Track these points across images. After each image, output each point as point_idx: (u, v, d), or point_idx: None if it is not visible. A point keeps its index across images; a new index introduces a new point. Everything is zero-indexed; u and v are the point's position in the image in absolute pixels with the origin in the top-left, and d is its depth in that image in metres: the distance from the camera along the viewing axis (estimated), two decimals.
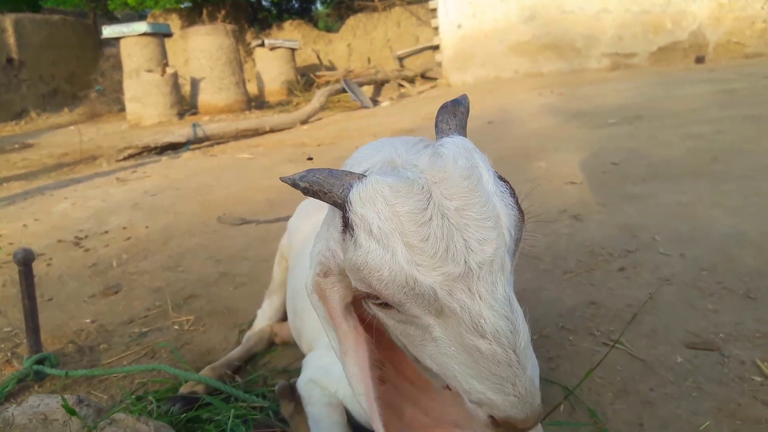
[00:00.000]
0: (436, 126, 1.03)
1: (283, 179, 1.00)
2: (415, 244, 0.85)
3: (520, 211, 0.93)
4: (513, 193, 0.93)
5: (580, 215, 3.37)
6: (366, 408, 1.07)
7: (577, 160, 4.71)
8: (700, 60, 11.74)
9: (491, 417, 0.88)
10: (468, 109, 1.07)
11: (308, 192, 0.97)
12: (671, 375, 1.79)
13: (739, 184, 3.57)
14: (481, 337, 0.84)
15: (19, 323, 2.75)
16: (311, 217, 2.08)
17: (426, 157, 0.92)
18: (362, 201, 0.89)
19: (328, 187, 0.94)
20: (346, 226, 0.91)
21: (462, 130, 1.02)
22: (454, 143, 0.94)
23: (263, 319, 2.37)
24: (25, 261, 2.24)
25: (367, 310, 1.03)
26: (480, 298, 0.85)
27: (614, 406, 1.68)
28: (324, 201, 0.96)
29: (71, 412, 1.15)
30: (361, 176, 0.93)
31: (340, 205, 0.93)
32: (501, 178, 0.95)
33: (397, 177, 0.90)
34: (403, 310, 0.91)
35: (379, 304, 0.94)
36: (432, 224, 0.85)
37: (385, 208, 0.87)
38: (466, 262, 0.85)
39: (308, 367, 1.74)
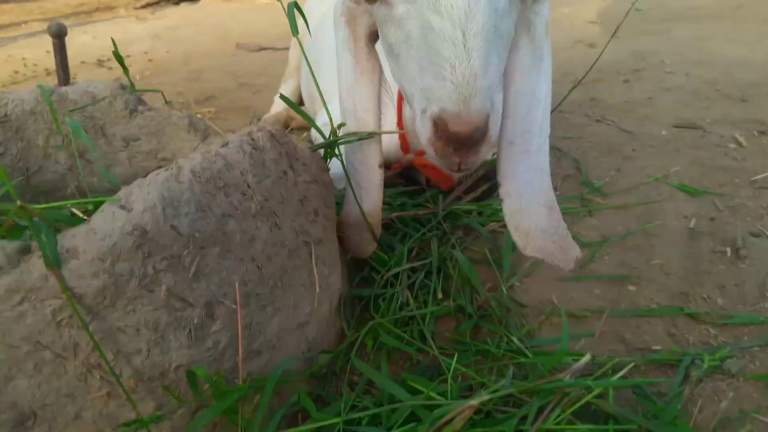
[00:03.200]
0: None
1: None
2: None
3: None
4: None
5: (595, 44, 3.41)
6: (370, 125, 1.15)
7: (600, 6, 4.64)
8: None
9: (434, 126, 0.88)
10: None
11: None
12: (654, 142, 1.94)
13: (758, 25, 3.55)
14: (436, 12, 0.86)
15: None
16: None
17: None
18: None
19: None
20: None
21: None
22: None
23: (280, 103, 2.52)
24: (59, 33, 2.37)
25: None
26: None
27: (597, 159, 1.85)
28: None
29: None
30: None
31: None
32: None
33: None
34: None
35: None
36: None
37: None
38: None
39: (320, 120, 1.91)
